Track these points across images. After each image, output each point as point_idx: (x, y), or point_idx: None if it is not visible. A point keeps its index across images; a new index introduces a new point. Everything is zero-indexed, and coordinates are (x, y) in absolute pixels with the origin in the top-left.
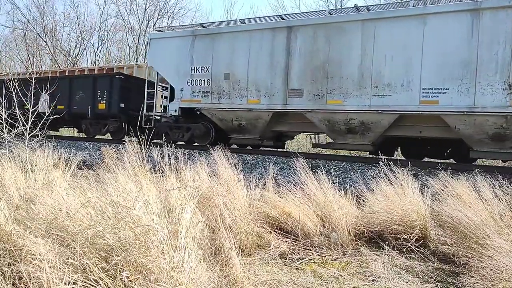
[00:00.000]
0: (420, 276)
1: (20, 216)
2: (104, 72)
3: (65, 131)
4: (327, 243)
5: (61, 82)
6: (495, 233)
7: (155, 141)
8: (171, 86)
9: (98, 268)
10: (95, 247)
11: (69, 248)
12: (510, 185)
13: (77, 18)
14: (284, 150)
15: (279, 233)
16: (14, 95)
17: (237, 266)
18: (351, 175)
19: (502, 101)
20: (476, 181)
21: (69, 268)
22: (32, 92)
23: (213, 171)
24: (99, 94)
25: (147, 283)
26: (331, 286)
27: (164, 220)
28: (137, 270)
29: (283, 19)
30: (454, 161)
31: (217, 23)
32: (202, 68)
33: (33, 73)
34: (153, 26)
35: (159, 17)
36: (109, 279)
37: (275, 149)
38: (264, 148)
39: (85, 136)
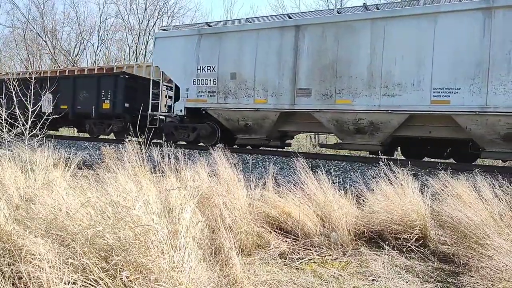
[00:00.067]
0: (420, 276)
1: (20, 216)
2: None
3: (65, 131)
4: (327, 243)
5: (65, 81)
6: (495, 233)
7: (154, 140)
8: (176, 85)
9: (98, 268)
10: (95, 247)
11: (69, 248)
12: (510, 185)
13: (77, 18)
14: (284, 150)
15: (279, 233)
16: (14, 95)
17: (237, 266)
18: (351, 175)
19: None
20: (476, 181)
21: (69, 268)
22: (32, 92)
23: (213, 171)
24: (103, 93)
25: (147, 283)
26: (331, 286)
27: (164, 220)
28: (137, 270)
29: (290, 18)
30: (454, 161)
31: (223, 22)
32: (208, 68)
33: (32, 73)
34: (153, 26)
35: (158, 16)
36: (109, 279)
37: (275, 149)
38: (264, 148)
39: (85, 136)
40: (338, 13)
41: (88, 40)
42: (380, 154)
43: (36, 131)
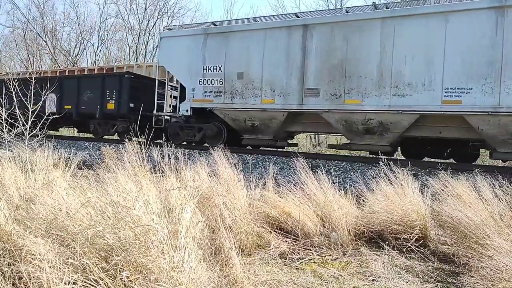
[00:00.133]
0: (420, 276)
1: (20, 216)
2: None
3: (65, 131)
4: (327, 243)
5: (69, 81)
6: (495, 233)
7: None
8: (181, 85)
9: (98, 268)
10: (95, 247)
11: (69, 248)
12: (510, 185)
13: (77, 18)
14: (284, 150)
15: (279, 233)
16: (14, 95)
17: (237, 266)
18: (351, 175)
19: None
20: (476, 181)
21: (69, 268)
22: (33, 92)
23: (213, 171)
24: (107, 93)
25: (147, 283)
26: (331, 286)
27: (164, 220)
28: (137, 270)
29: (298, 17)
30: (454, 161)
31: (230, 22)
32: (215, 67)
33: (33, 73)
34: (153, 26)
35: (159, 17)
36: (109, 279)
37: (275, 149)
38: (264, 148)
39: (85, 136)
40: (347, 12)
41: (88, 40)
42: (380, 154)
43: (36, 131)
